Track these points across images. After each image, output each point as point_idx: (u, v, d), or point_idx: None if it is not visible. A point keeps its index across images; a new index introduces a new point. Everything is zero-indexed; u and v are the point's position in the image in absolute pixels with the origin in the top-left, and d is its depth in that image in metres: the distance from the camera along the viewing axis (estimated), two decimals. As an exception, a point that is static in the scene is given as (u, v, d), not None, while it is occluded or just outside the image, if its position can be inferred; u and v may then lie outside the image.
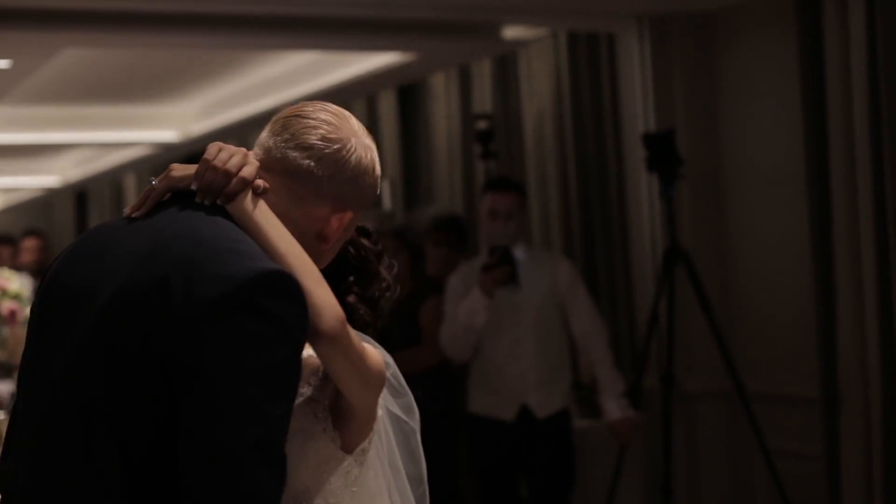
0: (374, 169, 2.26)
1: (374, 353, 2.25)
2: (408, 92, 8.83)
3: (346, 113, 2.27)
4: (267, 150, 2.20)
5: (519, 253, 5.72)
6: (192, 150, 10.69)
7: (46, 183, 14.61)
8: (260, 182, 2.15)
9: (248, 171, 2.14)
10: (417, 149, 8.83)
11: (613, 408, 5.74)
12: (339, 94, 8.43)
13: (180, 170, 2.18)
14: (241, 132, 10.00)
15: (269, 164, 2.18)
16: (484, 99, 7.85)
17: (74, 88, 8.93)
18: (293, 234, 2.14)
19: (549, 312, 5.78)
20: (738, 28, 6.21)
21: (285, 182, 2.17)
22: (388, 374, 2.34)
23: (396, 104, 8.84)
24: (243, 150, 2.18)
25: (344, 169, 2.19)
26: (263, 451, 1.92)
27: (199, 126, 10.09)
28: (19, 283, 6.87)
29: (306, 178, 2.17)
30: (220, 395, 1.90)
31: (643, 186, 6.39)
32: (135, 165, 12.66)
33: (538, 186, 7.36)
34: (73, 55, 7.44)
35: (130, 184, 13.99)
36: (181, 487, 1.92)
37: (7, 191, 16.29)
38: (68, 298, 2.09)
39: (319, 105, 2.25)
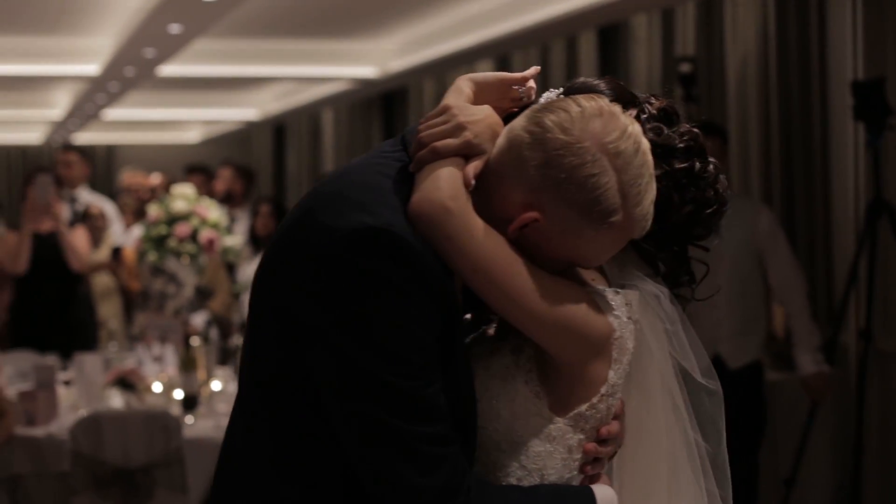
0: (594, 190, 1.93)
1: (584, 291, 2.04)
2: (609, 34, 8.69)
3: (618, 122, 1.96)
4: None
5: (718, 199, 5.60)
6: (390, 87, 10.76)
7: (246, 116, 14.91)
8: (469, 173, 1.98)
9: (446, 144, 1.99)
10: (618, 92, 8.66)
11: (808, 361, 5.62)
12: (540, 35, 8.37)
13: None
14: (439, 70, 10.02)
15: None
16: (687, 43, 7.70)
17: (276, 23, 9.06)
18: (482, 207, 1.98)
19: (746, 261, 5.65)
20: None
21: (501, 153, 2.00)
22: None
23: (597, 46, 8.72)
24: (459, 121, 2.00)
25: (557, 165, 1.93)
26: (396, 404, 1.89)
27: (398, 63, 10.13)
28: (218, 213, 7.00)
29: (516, 153, 1.97)
30: (336, 354, 1.89)
31: (849, 136, 6.22)
32: (333, 101, 12.81)
33: (739, 132, 7.21)
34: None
35: (328, 118, 14.17)
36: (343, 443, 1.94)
37: (208, 123, 16.68)
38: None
39: (582, 99, 1.99)
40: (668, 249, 2.15)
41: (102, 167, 17.24)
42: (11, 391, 5.79)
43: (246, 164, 11.66)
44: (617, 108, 1.98)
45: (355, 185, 1.98)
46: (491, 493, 1.98)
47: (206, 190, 9.38)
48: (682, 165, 2.08)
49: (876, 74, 5.80)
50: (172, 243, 6.81)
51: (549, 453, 2.04)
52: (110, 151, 17.75)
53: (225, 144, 17.15)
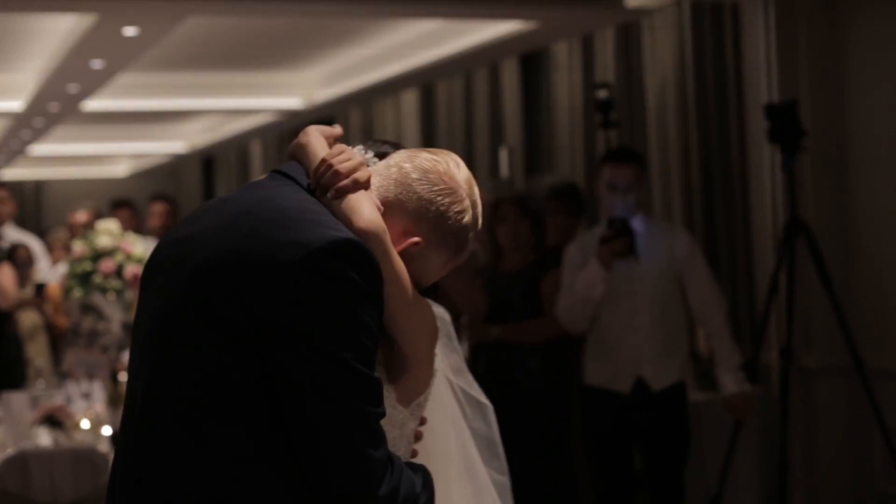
0: (460, 225, 2.39)
1: (427, 303, 2.42)
2: (531, 61, 8.81)
3: (467, 174, 2.43)
4: (387, 164, 2.43)
5: (637, 224, 5.70)
6: (316, 117, 10.80)
7: (174, 149, 14.89)
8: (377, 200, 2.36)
9: (362, 174, 2.35)
10: (539, 117, 8.81)
11: (730, 381, 5.69)
12: (462, 62, 8.44)
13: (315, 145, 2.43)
14: (364, 99, 10.07)
15: (382, 173, 2.41)
16: (606, 68, 7.81)
17: (201, 56, 9.07)
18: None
19: (667, 284, 5.74)
20: (866, -2, 6.10)
21: (393, 183, 2.39)
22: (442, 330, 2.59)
23: (519, 73, 8.84)
24: (361, 158, 2.39)
25: (439, 202, 2.36)
26: (358, 388, 2.17)
27: (324, 93, 10.18)
28: (143, 247, 6.99)
29: (406, 187, 2.36)
30: (319, 353, 2.14)
31: (765, 158, 6.32)
32: (260, 132, 12.84)
33: (660, 156, 7.32)
34: (198, 23, 7.56)
35: (256, 150, 14.19)
36: (297, 437, 2.18)
37: (136, 156, 16.62)
38: (167, 263, 2.32)
39: (443, 153, 2.45)
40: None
41: (31, 203, 17.14)
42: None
43: (174, 196, 11.64)
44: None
45: (297, 207, 2.27)
46: (398, 463, 2.29)
47: (133, 224, 9.36)
48: None
49: (789, 97, 5.91)
50: (98, 279, 6.80)
51: (397, 438, 2.39)
52: (38, 187, 17.65)
53: (153, 178, 17.11)
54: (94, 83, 8.75)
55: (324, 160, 2.36)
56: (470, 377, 2.87)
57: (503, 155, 8.58)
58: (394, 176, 2.38)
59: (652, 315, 5.69)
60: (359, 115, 11.11)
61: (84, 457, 5.28)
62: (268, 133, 13.02)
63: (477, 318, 5.93)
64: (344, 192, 2.31)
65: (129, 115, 11.66)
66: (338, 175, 2.33)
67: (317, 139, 2.45)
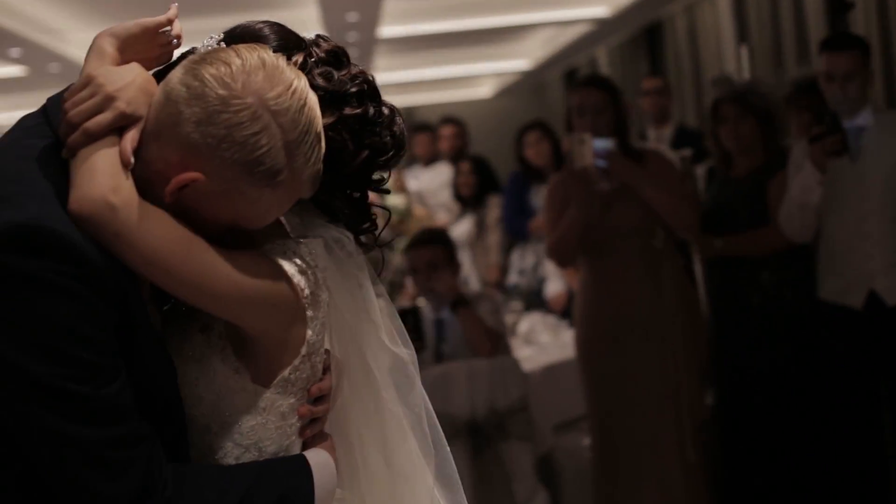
0: (257, 150, 1.80)
1: (251, 261, 1.90)
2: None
3: (283, 76, 1.83)
4: (164, 82, 1.87)
5: (863, 119, 5.04)
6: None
7: (530, 66, 14.75)
8: (127, 148, 1.81)
9: (98, 122, 1.80)
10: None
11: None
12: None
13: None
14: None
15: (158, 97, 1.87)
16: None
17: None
18: (142, 174, 1.82)
19: (901, 185, 5.03)
20: None
21: (157, 109, 1.83)
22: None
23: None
24: (107, 92, 1.81)
25: (217, 122, 1.79)
26: (71, 410, 1.72)
27: None
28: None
29: (173, 109, 1.81)
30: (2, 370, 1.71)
31: None
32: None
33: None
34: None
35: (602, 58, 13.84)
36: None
37: (497, 76, 16.61)
38: None
39: (243, 49, 1.85)
40: (346, 197, 2.04)
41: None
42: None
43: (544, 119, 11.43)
44: (282, 61, 1.86)
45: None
46: (193, 481, 1.85)
47: (430, 148, 9.29)
48: (355, 111, 1.97)
49: None
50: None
51: (262, 425, 1.96)
52: (409, 113, 18.00)
53: (516, 96, 17.06)
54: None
55: (62, 101, 1.84)
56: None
57: (743, 53, 7.91)
58: (160, 99, 1.83)
59: (882, 221, 5.02)
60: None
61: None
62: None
63: (690, 234, 5.43)
64: (73, 150, 1.80)
65: (487, 32, 11.64)
66: (69, 125, 1.81)
67: (96, 53, 1.88)
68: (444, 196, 8.62)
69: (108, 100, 1.80)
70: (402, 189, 8.06)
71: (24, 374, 1.70)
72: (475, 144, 10.12)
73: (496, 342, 5.23)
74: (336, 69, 1.97)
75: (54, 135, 1.84)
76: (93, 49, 1.90)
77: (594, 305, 5.33)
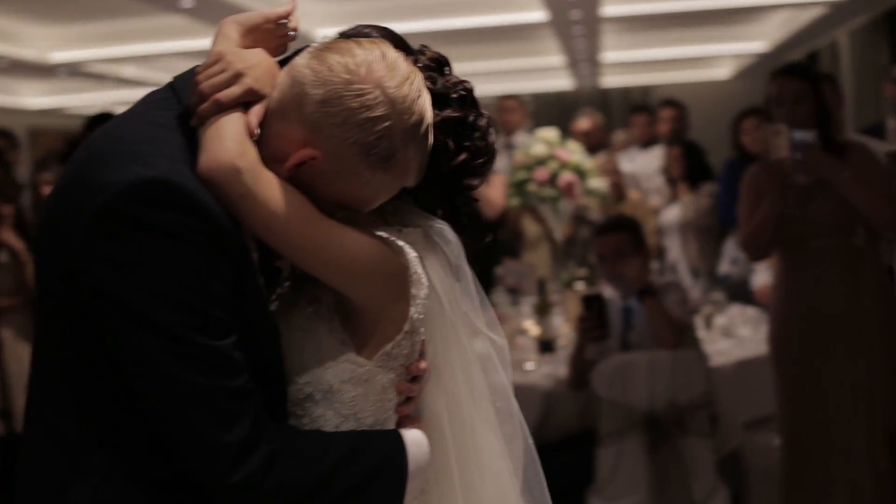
0: (373, 133, 1.92)
1: (360, 236, 2.01)
2: None
3: (401, 68, 1.96)
4: (288, 65, 2.00)
5: None
6: None
7: (763, 48, 14.38)
8: (253, 121, 1.95)
9: (228, 94, 1.93)
10: None
11: None
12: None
13: None
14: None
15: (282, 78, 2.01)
16: None
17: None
18: (263, 151, 1.95)
19: None
20: None
21: (282, 90, 1.97)
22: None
23: None
24: (239, 68, 1.96)
25: (339, 104, 1.91)
26: (191, 359, 1.85)
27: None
28: (580, 156, 6.79)
29: (298, 90, 1.94)
30: (126, 311, 1.83)
31: None
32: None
33: None
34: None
35: (844, 42, 13.38)
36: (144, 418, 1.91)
37: (737, 57, 16.24)
38: None
39: (366, 42, 1.98)
40: (443, 195, 2.16)
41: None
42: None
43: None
44: (400, 57, 1.99)
45: (128, 138, 1.93)
46: (295, 440, 1.97)
47: (648, 131, 9.14)
48: (456, 114, 2.10)
49: None
50: (532, 187, 6.71)
51: (363, 396, 2.06)
52: (645, 92, 17.77)
53: (754, 79, 16.63)
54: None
55: (195, 74, 1.98)
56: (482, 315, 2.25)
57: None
58: (286, 80, 1.96)
59: None
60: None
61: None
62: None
63: (892, 232, 5.17)
64: (203, 118, 1.93)
65: (722, 12, 11.41)
66: (199, 96, 1.94)
67: (223, 37, 2.04)
68: (659, 180, 8.48)
69: (238, 75, 1.94)
70: (612, 171, 7.99)
71: (149, 322, 1.81)
72: (711, 126, 9.90)
73: (681, 334, 5.12)
74: (439, 75, 2.10)
75: (182, 107, 1.97)
76: (219, 34, 2.05)
77: (788, 302, 5.16)
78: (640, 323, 5.27)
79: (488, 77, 15.21)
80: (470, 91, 2.13)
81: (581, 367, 5.23)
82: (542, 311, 5.97)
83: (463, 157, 2.10)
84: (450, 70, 2.14)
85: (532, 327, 6.22)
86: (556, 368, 5.60)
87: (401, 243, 2.05)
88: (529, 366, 5.71)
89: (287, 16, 2.11)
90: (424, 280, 2.07)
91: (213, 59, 1.98)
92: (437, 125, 2.06)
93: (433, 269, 2.11)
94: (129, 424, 1.92)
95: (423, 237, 2.11)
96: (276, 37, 2.10)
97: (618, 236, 5.27)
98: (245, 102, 1.95)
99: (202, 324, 1.84)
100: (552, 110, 17.19)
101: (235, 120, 1.92)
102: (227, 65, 1.95)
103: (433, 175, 2.09)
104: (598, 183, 6.83)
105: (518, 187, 6.76)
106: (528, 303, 6.57)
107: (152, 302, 1.81)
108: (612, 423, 4.98)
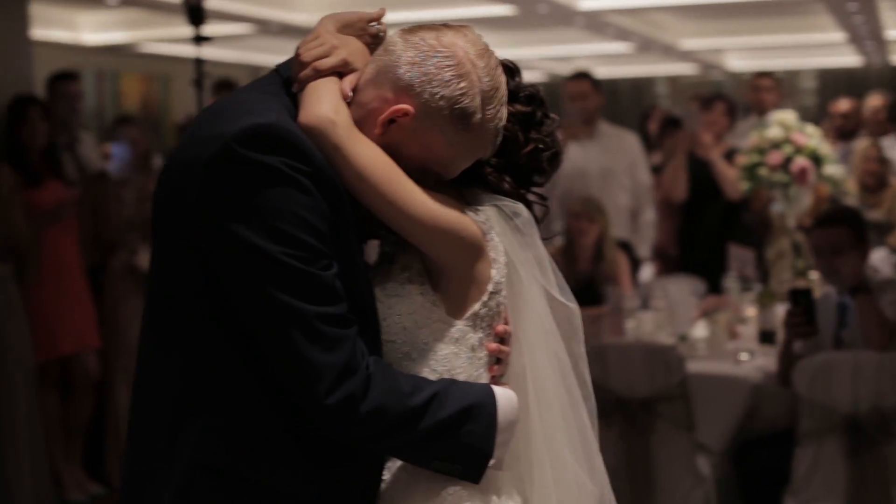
0: (458, 89, 2.15)
1: (445, 198, 2.21)
2: None
3: (482, 44, 2.21)
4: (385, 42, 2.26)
5: None
6: None
7: None
8: (346, 87, 2.20)
9: (326, 62, 2.20)
10: None
11: None
12: None
13: None
14: None
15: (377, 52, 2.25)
16: None
17: None
18: (356, 116, 2.19)
19: None
20: None
21: (377, 58, 2.23)
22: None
23: None
24: (334, 42, 2.23)
25: (428, 63, 2.16)
26: (296, 286, 2.03)
27: None
28: (818, 140, 6.48)
29: (392, 55, 2.18)
30: (237, 243, 2.03)
31: None
32: None
33: None
34: None
35: None
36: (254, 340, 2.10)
37: None
38: None
39: (448, 26, 2.23)
40: (514, 184, 2.35)
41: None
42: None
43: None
44: (480, 38, 2.23)
45: (238, 101, 2.19)
46: (392, 372, 2.16)
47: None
48: (525, 109, 2.33)
49: None
50: (764, 172, 6.46)
51: (455, 354, 2.24)
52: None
53: None
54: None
55: (297, 48, 2.25)
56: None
57: None
58: (380, 53, 2.22)
59: None
60: None
61: (658, 354, 5.16)
62: None
63: None
64: (304, 82, 2.20)
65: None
66: (301, 65, 2.22)
67: (324, 28, 2.30)
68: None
69: (334, 48, 2.22)
70: (875, 158, 7.65)
71: (260, 252, 2.02)
72: None
73: (892, 335, 4.86)
74: (510, 78, 2.31)
75: (286, 85, 2.23)
76: (319, 24, 2.31)
77: None
78: (855, 321, 5.04)
79: (772, 51, 14.85)
80: (538, 91, 2.36)
81: (788, 362, 5.04)
82: (766, 300, 5.78)
83: (530, 147, 2.33)
84: (520, 77, 2.36)
85: (754, 316, 6.04)
86: (769, 361, 5.41)
87: (476, 215, 2.26)
88: (744, 356, 5.53)
89: (378, 18, 2.33)
90: (501, 247, 2.27)
91: (314, 35, 2.25)
92: (508, 117, 2.26)
93: (507, 239, 2.29)
94: (237, 370, 2.11)
95: (496, 213, 2.29)
96: (367, 35, 2.32)
97: (835, 229, 5.04)
98: (339, 74, 2.20)
99: (305, 255, 2.03)
100: (839, 87, 16.63)
101: (331, 83, 2.18)
102: (326, 39, 2.23)
103: (505, 165, 2.32)
104: (835, 170, 6.52)
105: (749, 171, 6.53)
106: (759, 290, 6.37)
107: (260, 233, 2.01)
108: (812, 423, 4.79)
